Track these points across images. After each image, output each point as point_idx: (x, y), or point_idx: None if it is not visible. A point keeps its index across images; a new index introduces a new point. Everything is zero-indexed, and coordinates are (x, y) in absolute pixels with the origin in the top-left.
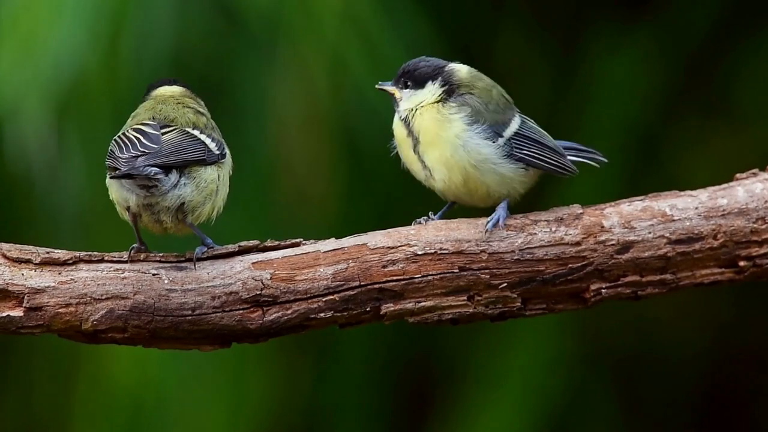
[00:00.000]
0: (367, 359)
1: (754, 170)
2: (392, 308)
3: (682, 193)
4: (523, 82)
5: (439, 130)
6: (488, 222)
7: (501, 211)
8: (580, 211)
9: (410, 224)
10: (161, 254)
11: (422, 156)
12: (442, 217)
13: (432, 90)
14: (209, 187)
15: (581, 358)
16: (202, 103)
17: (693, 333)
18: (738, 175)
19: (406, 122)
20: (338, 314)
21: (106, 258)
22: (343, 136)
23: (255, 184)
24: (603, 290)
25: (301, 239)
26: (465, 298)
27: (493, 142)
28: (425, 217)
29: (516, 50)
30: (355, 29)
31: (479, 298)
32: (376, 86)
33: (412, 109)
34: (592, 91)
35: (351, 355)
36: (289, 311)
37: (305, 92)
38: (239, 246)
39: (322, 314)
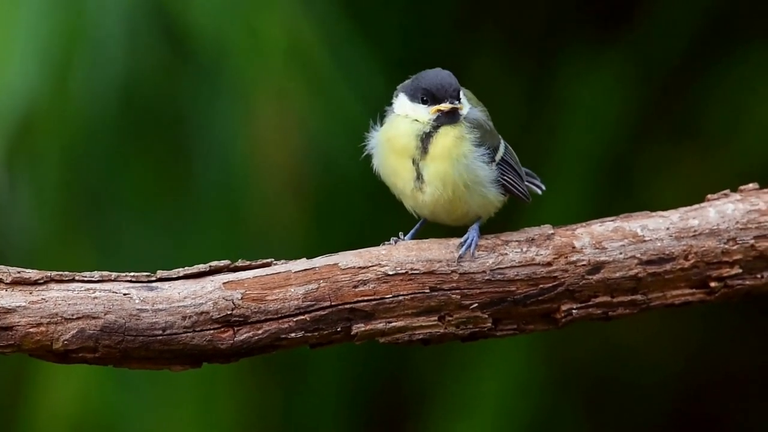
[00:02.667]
0: (338, 380)
1: (725, 191)
2: (363, 328)
3: (654, 213)
4: (495, 104)
5: (452, 146)
6: (462, 246)
7: (474, 233)
8: (552, 231)
9: (381, 244)
10: (132, 274)
11: (422, 168)
12: (413, 237)
13: (463, 98)
14: None
15: (552, 381)
16: None
17: (663, 357)
18: (709, 196)
19: (425, 135)
20: (309, 334)
21: (77, 278)
22: (307, 161)
23: (224, 206)
24: (574, 311)
25: (272, 259)
26: (436, 318)
27: (487, 166)
28: (396, 237)
29: (488, 71)
30: (301, 63)
31: (450, 318)
32: (450, 106)
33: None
34: (564, 112)
35: (322, 376)
36: (260, 331)
37: (253, 125)
38: (210, 266)
39: (293, 334)
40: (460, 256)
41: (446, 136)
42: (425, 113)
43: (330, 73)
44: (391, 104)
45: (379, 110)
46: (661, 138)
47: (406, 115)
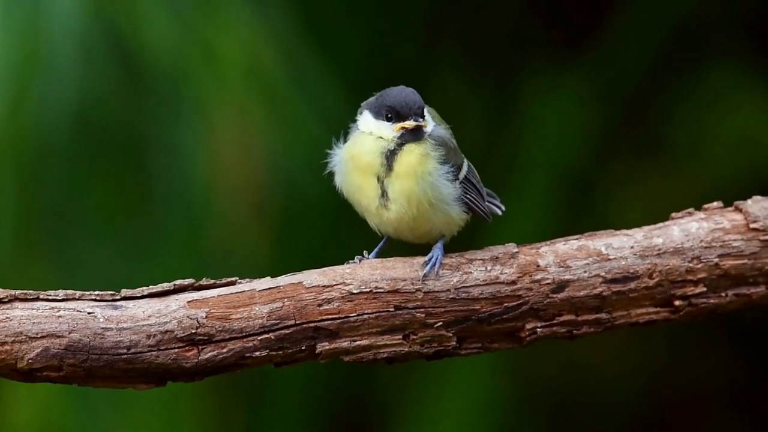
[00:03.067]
0: (302, 399)
1: (689, 210)
2: (328, 347)
3: (618, 232)
4: (458, 121)
5: (417, 164)
6: (427, 265)
7: (438, 252)
8: (516, 250)
9: (346, 263)
10: (96, 293)
11: (386, 186)
12: (377, 255)
13: (428, 114)
14: None
15: (516, 400)
16: None
17: (626, 376)
18: (674, 215)
19: (389, 152)
20: (273, 353)
21: (41, 296)
22: (269, 180)
23: (185, 225)
24: (538, 329)
25: (237, 278)
26: (400, 337)
27: (451, 184)
28: (360, 256)
29: (451, 88)
30: (260, 82)
31: (414, 337)
32: (414, 123)
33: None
34: (527, 130)
35: (286, 395)
36: (225, 350)
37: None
38: (174, 284)
39: (257, 353)
40: (425, 275)
41: (411, 154)
42: (389, 130)
43: (289, 92)
44: (355, 121)
45: (339, 129)
46: (624, 155)
47: (371, 132)
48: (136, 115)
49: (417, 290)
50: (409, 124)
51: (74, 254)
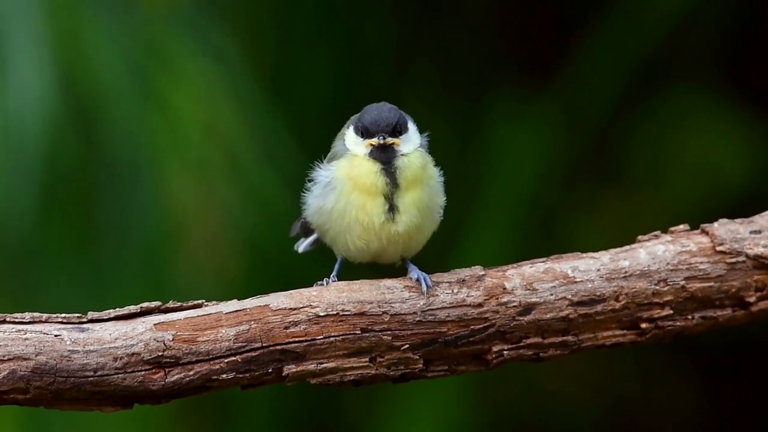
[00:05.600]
0: (269, 422)
1: (656, 232)
2: (294, 369)
3: (584, 255)
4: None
5: (422, 172)
6: (423, 286)
7: (417, 271)
8: (482, 272)
9: (314, 284)
10: (63, 315)
11: (396, 200)
12: (337, 275)
13: (414, 130)
14: None
15: (482, 424)
16: None
17: (591, 402)
18: (640, 237)
19: (393, 171)
20: (240, 375)
21: (7, 319)
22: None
23: (153, 250)
24: (505, 352)
25: (203, 300)
26: (367, 359)
27: (442, 191)
28: (327, 279)
29: (419, 113)
30: (218, 138)
31: (381, 359)
32: (380, 141)
33: (407, 154)
34: (494, 155)
35: (253, 418)
36: (191, 372)
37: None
38: (141, 307)
39: (224, 375)
40: (427, 292)
41: (411, 165)
42: (362, 147)
43: (246, 146)
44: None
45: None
46: (588, 181)
47: (348, 149)
48: (96, 168)
49: (383, 313)
50: (374, 141)
51: (33, 291)
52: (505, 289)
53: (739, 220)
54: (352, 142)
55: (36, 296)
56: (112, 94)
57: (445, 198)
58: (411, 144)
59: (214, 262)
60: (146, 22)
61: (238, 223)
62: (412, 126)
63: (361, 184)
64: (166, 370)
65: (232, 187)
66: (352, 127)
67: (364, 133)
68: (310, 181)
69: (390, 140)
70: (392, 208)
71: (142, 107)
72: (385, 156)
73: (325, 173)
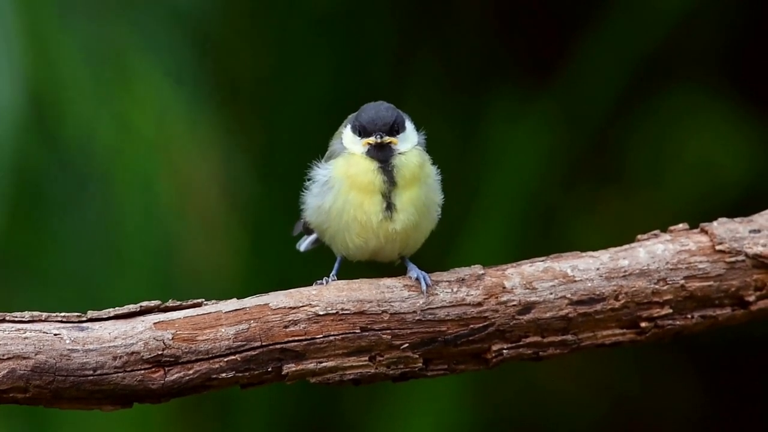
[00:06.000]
0: (269, 421)
1: (655, 231)
2: (294, 368)
3: (584, 254)
4: (426, 146)
5: (419, 170)
6: (422, 284)
7: (417, 270)
8: (482, 271)
9: (314, 283)
10: (63, 314)
11: (393, 198)
12: (336, 274)
13: (411, 129)
14: None
15: (482, 424)
16: None
17: (591, 401)
18: (640, 236)
19: (391, 169)
20: (240, 374)
21: (7, 318)
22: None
23: (153, 249)
24: (504, 351)
25: (203, 300)
26: (367, 358)
27: (440, 190)
28: (326, 278)
29: (418, 114)
30: (165, 155)
31: (381, 358)
32: (377, 140)
33: (404, 152)
34: (494, 154)
35: (253, 417)
36: (191, 371)
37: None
38: (141, 306)
39: (223, 374)
40: (427, 291)
41: (409, 163)
42: (359, 146)
43: (195, 167)
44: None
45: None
46: (588, 180)
47: (346, 148)
48: (52, 180)
49: (383, 312)
50: (371, 140)
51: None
52: (504, 288)
53: (738, 219)
54: (349, 141)
55: (12, 304)
56: (73, 101)
57: (442, 196)
58: (408, 142)
59: (213, 262)
60: (110, 36)
61: (182, 242)
62: (409, 125)
63: (359, 182)
64: (166, 369)
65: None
66: (349, 126)
67: (362, 131)
68: (308, 180)
69: (387, 139)
70: (390, 207)
71: (99, 122)
72: (382, 154)
73: (323, 172)
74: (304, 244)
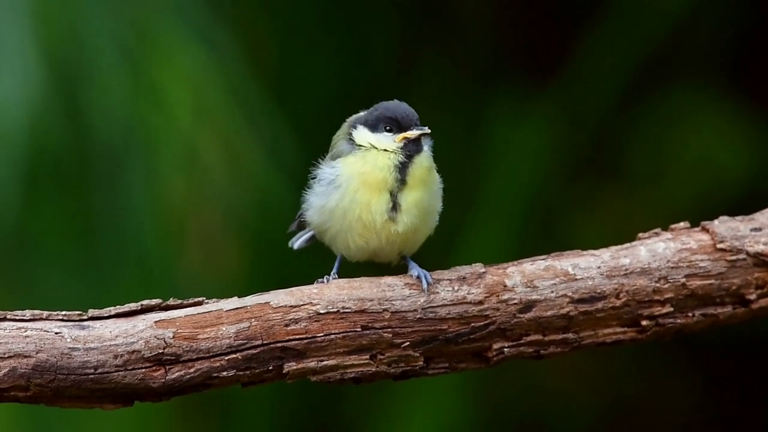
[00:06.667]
0: (270, 420)
1: (656, 230)
2: (295, 367)
3: (585, 252)
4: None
5: (427, 174)
6: (423, 283)
7: (418, 269)
8: (483, 270)
9: (315, 281)
10: (64, 313)
11: (400, 198)
12: (337, 272)
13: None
14: None
15: (482, 422)
16: None
17: (591, 400)
18: (641, 235)
19: (401, 165)
20: (241, 373)
21: (8, 317)
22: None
23: (157, 246)
24: (505, 349)
25: (204, 298)
26: (367, 356)
27: (441, 197)
28: (327, 276)
29: (420, 113)
30: (210, 125)
31: (382, 356)
32: (418, 132)
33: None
34: (495, 154)
35: (254, 416)
36: (192, 370)
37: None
38: (141, 305)
39: (224, 373)
40: (428, 290)
41: (421, 165)
42: (391, 142)
43: (238, 132)
44: (349, 138)
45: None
46: (589, 179)
47: (371, 145)
48: (87, 155)
49: (384, 310)
50: (412, 133)
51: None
52: (505, 286)
53: (739, 218)
54: (374, 140)
55: (30, 289)
56: (102, 77)
57: (442, 205)
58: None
59: (214, 259)
60: (137, 6)
61: (238, 218)
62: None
63: (372, 179)
64: (167, 367)
65: (228, 177)
66: (362, 126)
67: (394, 127)
68: (312, 179)
69: (426, 130)
70: (395, 207)
71: (133, 91)
72: (416, 148)
73: (329, 171)
74: (297, 243)
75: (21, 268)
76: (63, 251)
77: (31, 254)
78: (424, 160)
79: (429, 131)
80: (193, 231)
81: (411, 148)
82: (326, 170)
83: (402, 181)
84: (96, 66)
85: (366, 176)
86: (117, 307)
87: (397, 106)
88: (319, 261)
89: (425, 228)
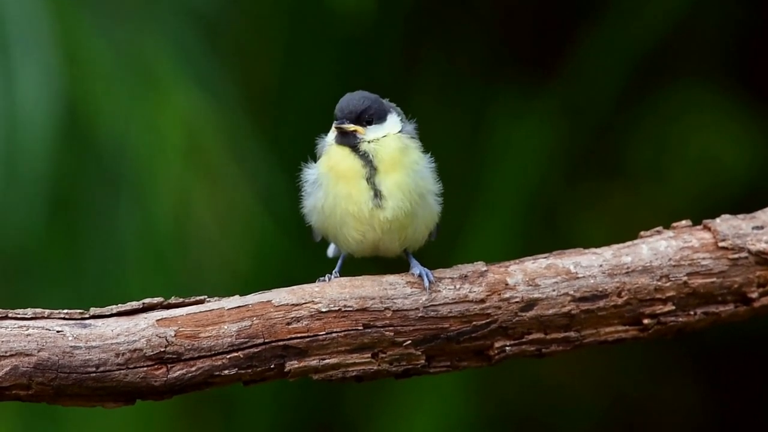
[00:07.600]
0: (272, 418)
1: (658, 228)
2: (296, 365)
3: (587, 250)
4: (428, 142)
5: (401, 155)
6: (425, 281)
7: (419, 266)
8: (485, 268)
9: (317, 280)
10: (65, 311)
11: (378, 184)
12: (340, 270)
13: (393, 121)
14: None
15: (484, 421)
16: None
17: (593, 398)
18: (642, 233)
19: (365, 153)
20: (242, 371)
21: (9, 315)
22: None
23: (161, 244)
24: (507, 347)
25: (206, 296)
26: (369, 355)
27: (435, 176)
28: (329, 274)
29: (421, 111)
30: (200, 162)
31: (383, 355)
32: (338, 125)
33: (375, 140)
34: (496, 152)
35: (255, 414)
36: (194, 368)
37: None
38: (143, 303)
39: (226, 371)
40: (430, 288)
41: (387, 147)
42: (331, 134)
43: (228, 169)
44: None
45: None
46: (590, 176)
47: (327, 142)
48: (85, 185)
49: (386, 309)
50: (335, 126)
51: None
52: (507, 284)
53: (741, 216)
54: (330, 134)
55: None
56: (105, 106)
57: (440, 185)
58: (383, 131)
59: (216, 260)
60: (137, 44)
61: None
62: (393, 116)
63: (341, 170)
64: (169, 365)
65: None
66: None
67: (334, 118)
68: (303, 182)
69: (350, 127)
70: (377, 194)
71: (129, 126)
72: (347, 140)
73: (311, 171)
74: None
75: (32, 288)
76: (70, 266)
77: (41, 273)
78: (389, 142)
79: (351, 129)
80: (198, 236)
81: (340, 140)
82: (309, 171)
83: (372, 168)
84: (101, 94)
85: (335, 168)
86: (118, 305)
87: (342, 99)
88: (320, 260)
89: (422, 211)
